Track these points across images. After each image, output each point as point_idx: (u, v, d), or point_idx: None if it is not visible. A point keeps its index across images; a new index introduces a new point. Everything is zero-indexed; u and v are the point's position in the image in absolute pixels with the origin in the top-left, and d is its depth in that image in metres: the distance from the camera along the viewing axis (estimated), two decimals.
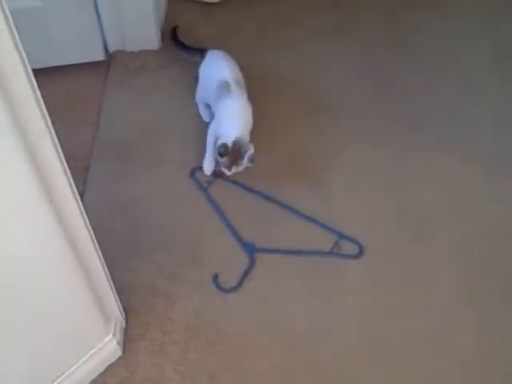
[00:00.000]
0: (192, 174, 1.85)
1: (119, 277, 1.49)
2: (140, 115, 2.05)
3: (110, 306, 1.39)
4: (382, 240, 1.71)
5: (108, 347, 1.40)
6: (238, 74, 1.89)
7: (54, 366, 1.31)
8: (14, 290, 1.06)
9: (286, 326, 1.54)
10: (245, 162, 1.74)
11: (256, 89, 1.93)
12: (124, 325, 1.50)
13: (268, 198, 1.80)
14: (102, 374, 1.43)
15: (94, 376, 1.42)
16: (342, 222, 1.73)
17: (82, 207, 1.11)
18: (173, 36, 2.22)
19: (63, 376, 1.32)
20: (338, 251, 1.68)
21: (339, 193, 1.83)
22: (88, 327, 1.33)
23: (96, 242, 1.22)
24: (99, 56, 2.16)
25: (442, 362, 1.47)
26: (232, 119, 1.79)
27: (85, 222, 1.13)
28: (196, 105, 2.00)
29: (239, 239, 1.70)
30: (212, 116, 1.90)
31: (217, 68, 1.89)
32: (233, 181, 1.83)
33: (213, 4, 2.45)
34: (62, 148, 0.98)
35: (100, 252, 1.25)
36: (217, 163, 1.80)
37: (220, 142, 1.74)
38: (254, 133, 1.82)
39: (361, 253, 1.67)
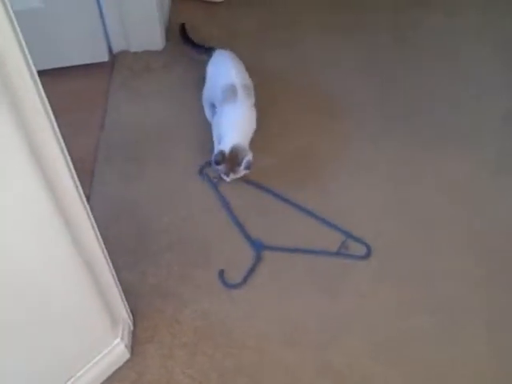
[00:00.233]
0: (201, 170, 1.85)
1: (127, 279, 1.49)
2: (145, 116, 2.03)
3: (117, 309, 1.38)
4: (390, 240, 1.70)
5: (116, 351, 1.39)
6: (246, 76, 1.87)
7: (62, 371, 1.30)
8: (21, 295, 1.05)
9: (295, 327, 1.53)
10: (241, 169, 1.73)
11: (260, 88, 1.91)
12: (132, 328, 1.49)
13: (277, 195, 1.79)
14: (110, 377, 1.42)
15: (102, 380, 1.41)
16: (349, 223, 1.72)
17: (88, 210, 1.10)
18: (182, 32, 2.20)
19: (71, 380, 1.31)
20: (346, 251, 1.66)
21: (346, 192, 1.82)
22: (96, 331, 1.32)
23: (103, 245, 1.21)
24: (103, 57, 2.15)
25: (453, 361, 1.46)
26: (234, 125, 1.78)
27: (92, 225, 1.12)
28: (201, 106, 1.99)
29: (247, 236, 1.70)
30: None
31: (224, 69, 1.88)
32: (242, 178, 1.82)
33: (216, 3, 2.44)
34: (67, 150, 0.97)
35: (107, 254, 1.24)
36: (216, 169, 1.79)
37: (217, 149, 1.73)
38: (260, 132, 1.81)
39: (369, 253, 1.66)
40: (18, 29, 0.78)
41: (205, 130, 1.92)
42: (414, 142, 1.96)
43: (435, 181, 1.86)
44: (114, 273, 1.31)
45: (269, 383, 1.43)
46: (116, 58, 2.21)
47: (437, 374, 1.44)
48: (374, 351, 1.48)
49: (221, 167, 1.74)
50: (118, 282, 1.34)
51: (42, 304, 1.10)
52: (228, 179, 1.77)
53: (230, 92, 1.79)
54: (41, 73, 0.85)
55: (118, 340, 1.39)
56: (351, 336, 1.51)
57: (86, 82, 2.12)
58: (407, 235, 1.72)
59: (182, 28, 2.22)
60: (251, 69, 1.92)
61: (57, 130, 0.93)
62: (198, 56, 2.07)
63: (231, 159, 1.72)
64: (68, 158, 0.98)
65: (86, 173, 1.82)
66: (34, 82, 0.83)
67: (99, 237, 1.18)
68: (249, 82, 1.87)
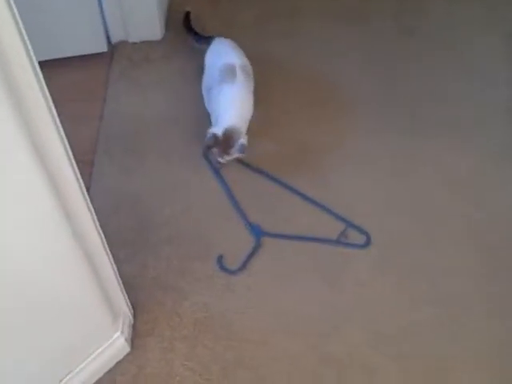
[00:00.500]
0: (204, 154, 1.83)
1: (127, 272, 1.48)
2: (144, 107, 2.02)
3: (118, 303, 1.38)
4: (390, 230, 1.69)
5: (116, 344, 1.39)
6: (246, 61, 1.86)
7: (63, 364, 1.29)
8: (22, 289, 1.04)
9: (296, 318, 1.52)
10: (234, 151, 1.70)
11: (262, 78, 1.90)
12: (132, 321, 1.48)
13: (280, 182, 1.78)
14: (111, 370, 1.41)
15: (103, 373, 1.40)
16: (349, 212, 1.71)
17: (89, 202, 1.09)
18: (185, 21, 2.18)
19: (72, 374, 1.31)
20: (345, 240, 1.66)
21: (347, 181, 1.81)
22: (96, 325, 1.31)
23: (103, 237, 1.20)
24: (102, 47, 2.13)
25: (453, 352, 1.46)
26: (231, 105, 1.75)
27: (92, 217, 1.11)
28: (201, 96, 1.97)
29: (246, 222, 1.69)
30: None
31: (224, 52, 1.86)
32: (243, 163, 1.82)
33: None
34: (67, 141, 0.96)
35: (107, 247, 1.23)
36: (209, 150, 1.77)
37: (211, 132, 1.71)
38: (262, 121, 1.80)
39: (368, 242, 1.66)
40: (20, 21, 0.77)
41: (204, 121, 1.90)
42: (418, 132, 1.95)
43: (438, 173, 1.84)
44: (115, 265, 1.30)
45: (270, 375, 1.43)
46: (115, 49, 2.20)
47: (437, 363, 1.44)
48: (373, 340, 1.48)
49: (214, 149, 1.72)
50: (118, 275, 1.33)
51: (42, 298, 1.09)
52: (222, 160, 1.75)
53: (229, 72, 1.77)
54: (40, 64, 0.84)
55: (119, 333, 1.38)
56: (351, 325, 1.51)
57: (85, 72, 2.10)
58: (408, 226, 1.71)
59: (187, 16, 2.18)
60: (252, 58, 1.90)
61: (59, 124, 0.91)
62: (199, 46, 2.05)
63: (225, 141, 1.69)
64: (69, 149, 0.97)
65: (86, 164, 1.81)
66: (35, 72, 0.82)
67: (99, 229, 1.17)
68: (248, 66, 1.85)
